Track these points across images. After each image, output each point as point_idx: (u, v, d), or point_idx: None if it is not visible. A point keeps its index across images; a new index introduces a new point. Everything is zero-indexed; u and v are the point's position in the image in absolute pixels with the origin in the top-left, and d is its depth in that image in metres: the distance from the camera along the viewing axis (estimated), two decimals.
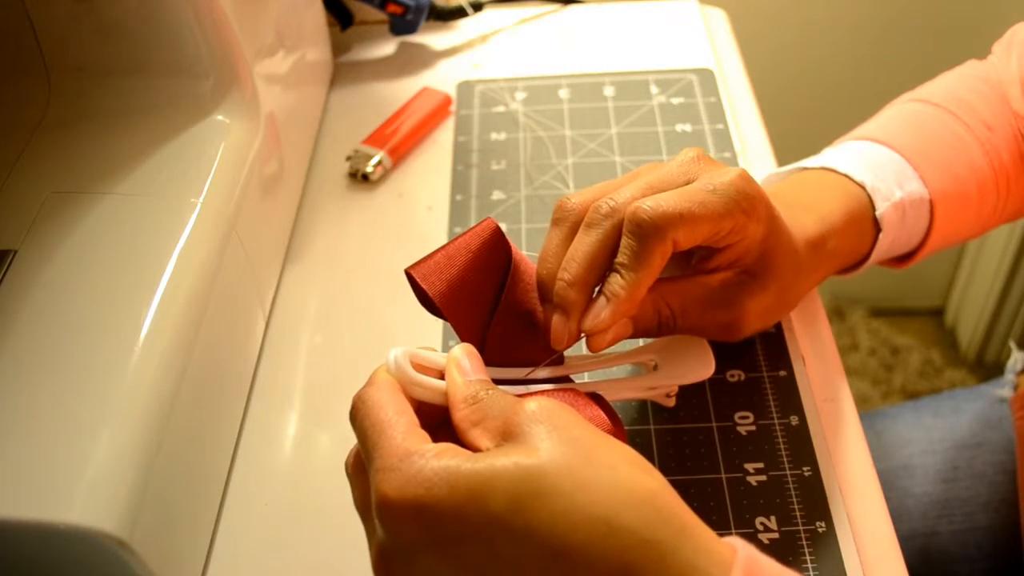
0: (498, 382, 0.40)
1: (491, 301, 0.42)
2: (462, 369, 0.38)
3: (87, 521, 0.35)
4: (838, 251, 0.50)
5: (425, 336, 0.54)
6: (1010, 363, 0.73)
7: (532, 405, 0.35)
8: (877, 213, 0.51)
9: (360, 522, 0.46)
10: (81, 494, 0.36)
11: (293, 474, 0.49)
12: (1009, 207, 0.59)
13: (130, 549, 0.36)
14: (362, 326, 0.56)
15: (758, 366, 0.51)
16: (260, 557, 0.46)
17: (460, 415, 0.36)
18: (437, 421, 0.38)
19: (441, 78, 0.73)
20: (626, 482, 0.32)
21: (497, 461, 0.32)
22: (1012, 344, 0.75)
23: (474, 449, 0.35)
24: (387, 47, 0.77)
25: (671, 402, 0.48)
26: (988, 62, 0.61)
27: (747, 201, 0.42)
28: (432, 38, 0.77)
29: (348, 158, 0.66)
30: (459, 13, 0.77)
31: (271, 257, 0.57)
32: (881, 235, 0.52)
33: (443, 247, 0.42)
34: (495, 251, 0.42)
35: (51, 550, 0.37)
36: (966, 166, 0.56)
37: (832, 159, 0.54)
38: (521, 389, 0.41)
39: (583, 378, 0.49)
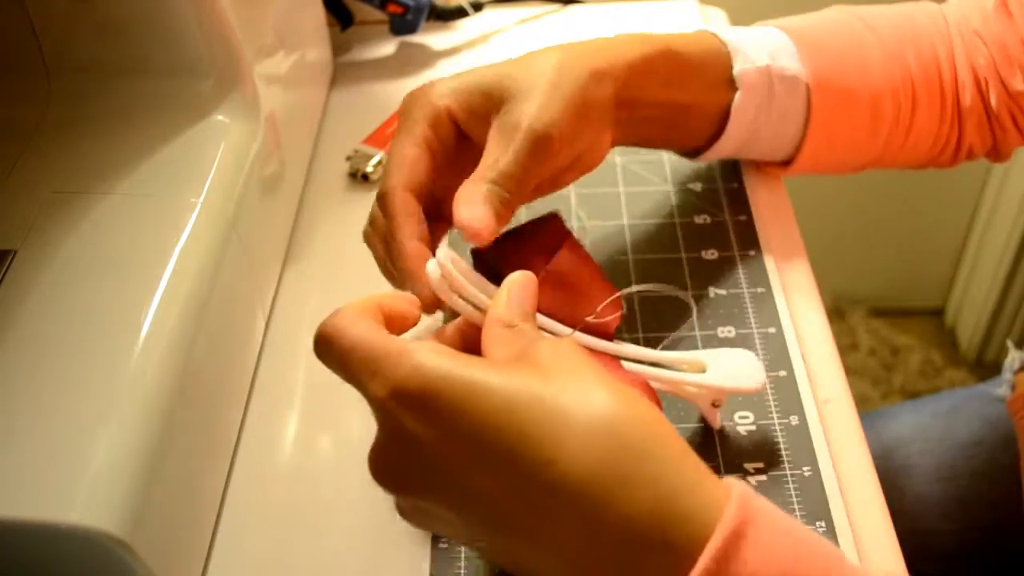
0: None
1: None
2: (513, 295, 0.38)
3: (87, 521, 0.35)
4: (658, 72, 0.49)
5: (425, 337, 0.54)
6: (1007, 362, 0.73)
7: (552, 343, 0.35)
8: (735, 71, 0.52)
9: (360, 522, 0.47)
10: (81, 494, 0.36)
11: (293, 474, 0.49)
12: (913, 135, 0.57)
13: (130, 549, 0.36)
14: None
15: None
16: (260, 557, 0.46)
17: (491, 334, 0.36)
18: None
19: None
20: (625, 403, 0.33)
21: (495, 368, 0.33)
22: (1009, 343, 0.75)
23: (486, 355, 0.36)
24: (387, 47, 0.77)
25: (716, 417, 0.47)
26: (945, 3, 0.60)
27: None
28: (432, 38, 0.77)
29: (348, 158, 0.66)
30: (459, 13, 0.77)
31: (271, 257, 0.57)
32: (739, 95, 0.52)
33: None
34: (550, 232, 0.46)
35: (51, 550, 0.37)
36: (858, 65, 0.55)
37: (714, 30, 0.55)
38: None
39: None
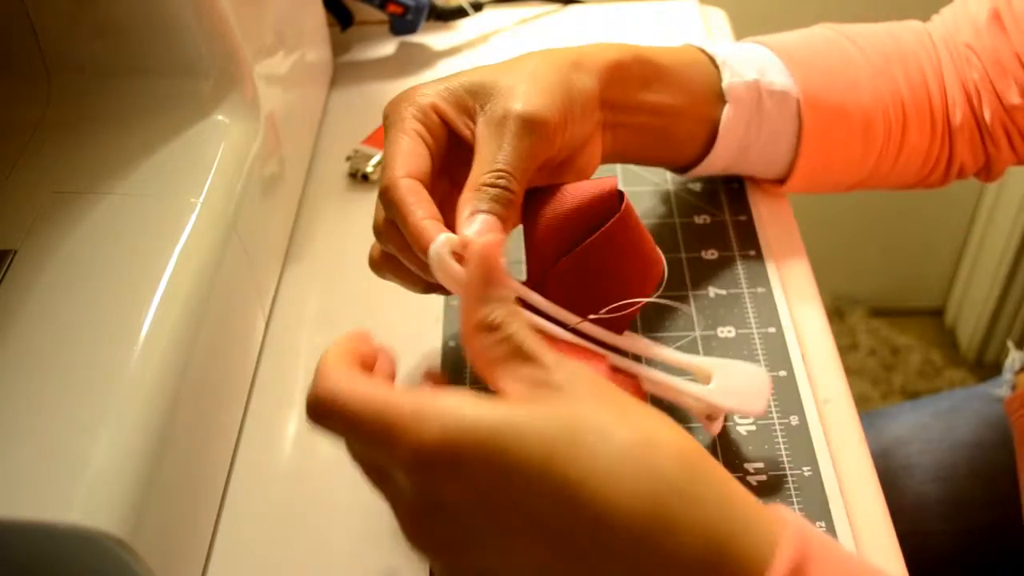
0: (548, 318, 0.40)
1: (571, 245, 0.43)
2: (477, 282, 0.34)
3: (87, 521, 0.35)
4: (642, 78, 0.49)
5: (425, 337, 0.54)
6: (1008, 362, 0.73)
7: (561, 361, 0.33)
8: (724, 84, 0.52)
9: (360, 522, 0.46)
10: (81, 494, 0.36)
11: (293, 474, 0.49)
12: (904, 153, 0.57)
13: (130, 549, 0.36)
14: (362, 326, 0.56)
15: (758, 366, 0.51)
16: (260, 557, 0.46)
17: (477, 345, 0.33)
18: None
19: None
20: (664, 439, 0.31)
21: (529, 409, 0.31)
22: (1010, 344, 0.75)
23: (494, 387, 0.33)
24: (387, 47, 0.77)
25: (714, 428, 0.46)
26: (930, 22, 0.60)
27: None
28: (432, 38, 0.77)
29: (348, 158, 0.66)
30: (459, 13, 0.77)
31: (271, 257, 0.57)
32: (728, 109, 0.52)
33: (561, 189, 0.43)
34: (601, 205, 0.43)
35: (51, 550, 0.37)
36: (848, 83, 0.54)
37: (701, 44, 0.55)
38: (567, 336, 0.41)
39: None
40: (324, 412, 0.33)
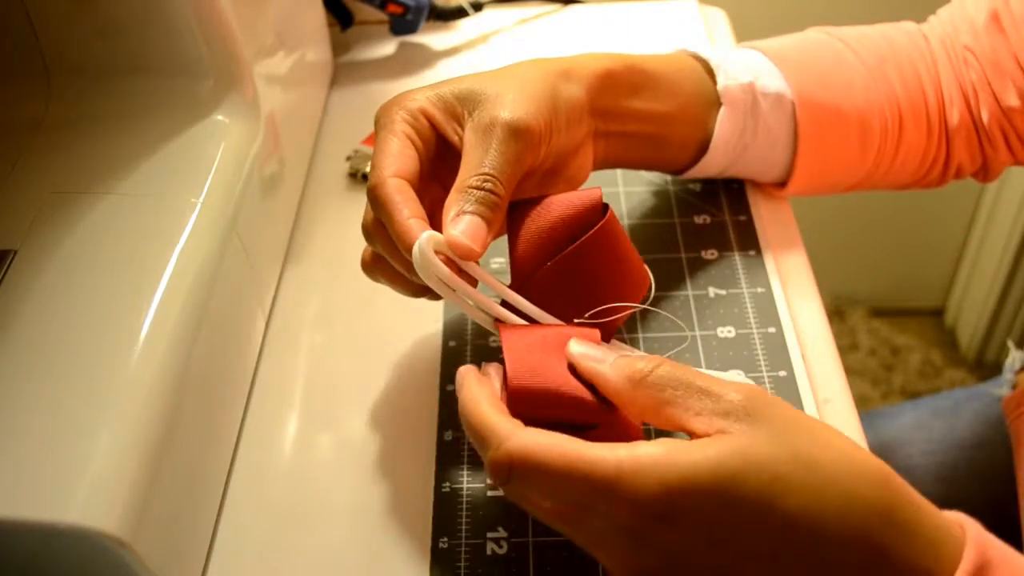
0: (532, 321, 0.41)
1: (555, 252, 0.43)
2: (592, 356, 0.37)
3: (87, 521, 0.36)
4: (633, 85, 0.50)
5: (425, 337, 0.54)
6: (1008, 362, 0.73)
7: (740, 389, 0.34)
8: (719, 87, 0.52)
9: (360, 521, 0.46)
10: (81, 494, 0.36)
11: (293, 474, 0.49)
12: (902, 152, 0.57)
13: (130, 549, 0.36)
14: (362, 326, 0.56)
15: (758, 366, 0.51)
16: (260, 557, 0.46)
17: (640, 398, 0.35)
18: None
19: (441, 78, 0.73)
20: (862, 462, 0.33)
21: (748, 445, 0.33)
22: (1010, 343, 0.75)
23: (678, 429, 0.35)
24: (387, 47, 0.77)
25: None
26: (926, 23, 0.60)
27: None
28: (432, 38, 0.77)
29: (348, 158, 0.66)
30: (459, 13, 0.77)
31: (271, 257, 0.57)
32: (723, 111, 0.52)
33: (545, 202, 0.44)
34: (586, 215, 0.43)
35: (51, 550, 0.37)
36: (843, 85, 0.55)
37: (693, 49, 0.55)
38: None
39: None
40: (520, 475, 0.34)
